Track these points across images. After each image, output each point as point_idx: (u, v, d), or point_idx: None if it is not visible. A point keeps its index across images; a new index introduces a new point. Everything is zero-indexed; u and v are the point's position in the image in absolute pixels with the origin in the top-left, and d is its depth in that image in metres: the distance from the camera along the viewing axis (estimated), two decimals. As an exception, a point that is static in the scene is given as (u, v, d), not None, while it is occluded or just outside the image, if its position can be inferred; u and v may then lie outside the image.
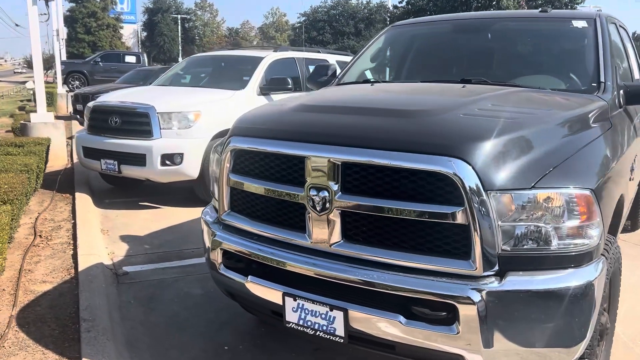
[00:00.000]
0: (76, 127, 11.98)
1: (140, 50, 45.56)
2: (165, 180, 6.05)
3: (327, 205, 2.16)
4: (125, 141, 5.96)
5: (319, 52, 8.38)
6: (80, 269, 3.99)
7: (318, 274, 2.20)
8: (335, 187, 2.14)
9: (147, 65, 26.68)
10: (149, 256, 4.61)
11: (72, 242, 4.72)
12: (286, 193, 2.29)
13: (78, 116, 11.90)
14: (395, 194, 2.05)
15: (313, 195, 2.18)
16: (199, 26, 72.64)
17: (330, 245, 2.20)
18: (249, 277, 2.42)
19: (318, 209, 2.18)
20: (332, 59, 8.46)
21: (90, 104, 6.60)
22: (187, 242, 4.97)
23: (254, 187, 2.42)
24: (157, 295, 3.83)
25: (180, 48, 62.74)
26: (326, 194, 2.15)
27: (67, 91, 19.79)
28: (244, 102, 6.56)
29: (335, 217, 2.16)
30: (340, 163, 2.13)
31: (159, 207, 6.19)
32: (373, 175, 2.09)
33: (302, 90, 7.34)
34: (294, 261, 2.27)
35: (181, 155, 5.82)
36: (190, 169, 5.90)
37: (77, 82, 23.63)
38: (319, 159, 2.16)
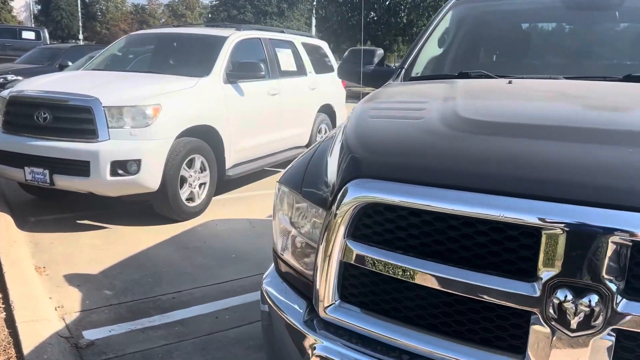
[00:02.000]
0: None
1: (33, 25, 41.15)
2: (116, 194, 4.71)
3: (595, 319, 1.16)
4: (60, 144, 4.54)
5: (283, 32, 7.21)
6: (24, 348, 2.69)
7: None
8: (616, 287, 1.15)
9: (48, 42, 23.72)
10: (115, 309, 3.35)
11: (-1, 293, 3.36)
12: (484, 288, 1.26)
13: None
14: None
15: (563, 301, 1.17)
16: (101, 1, 67.33)
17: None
18: None
19: (572, 325, 1.18)
20: (298, 40, 7.34)
21: (5, 93, 5.05)
22: (160, 281, 3.75)
23: (405, 270, 1.36)
24: (149, 382, 2.65)
25: (80, 24, 57.72)
26: (594, 298, 1.16)
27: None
28: (210, 91, 5.34)
29: (603, 342, 1.17)
30: (630, 242, 1.14)
31: (106, 227, 4.84)
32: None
33: (270, 78, 6.17)
34: None
35: (138, 162, 4.51)
36: (150, 179, 4.61)
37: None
38: (581, 231, 1.15)
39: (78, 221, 4.99)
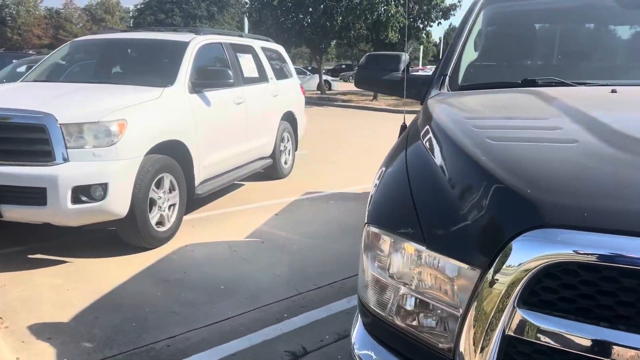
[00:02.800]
0: None
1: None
2: (79, 224, 4.11)
3: None
4: (8, 169, 3.89)
5: (241, 36, 6.75)
6: None
7: None
8: None
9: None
10: (102, 367, 2.83)
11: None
12: None
13: None
14: None
15: None
16: (11, 4, 62.96)
17: None
18: None
19: None
20: (257, 44, 6.91)
21: None
22: (147, 326, 3.24)
23: (607, 345, 1.03)
24: None
25: (-12, 30, 53.70)
26: None
27: None
28: (177, 103, 4.83)
29: None
30: None
31: (65, 261, 4.22)
32: None
33: (235, 86, 5.71)
34: None
35: (104, 185, 3.94)
36: (118, 204, 4.05)
37: None
38: None
39: (30, 256, 4.32)
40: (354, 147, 10.41)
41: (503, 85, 2.18)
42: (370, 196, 1.67)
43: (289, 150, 7.56)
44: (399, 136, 2.43)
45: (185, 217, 5.04)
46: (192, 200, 5.22)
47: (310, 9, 23.10)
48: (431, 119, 1.82)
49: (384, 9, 20.55)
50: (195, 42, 5.42)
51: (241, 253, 4.45)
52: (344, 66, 58.61)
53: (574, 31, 2.64)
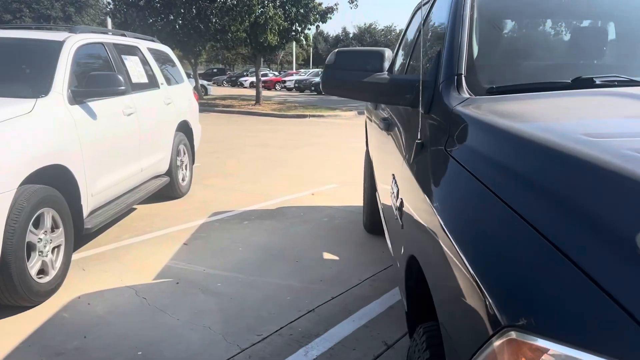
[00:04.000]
0: None
1: None
2: None
3: None
4: None
5: (124, 35, 5.76)
6: None
7: None
8: None
9: None
10: None
11: None
12: None
13: None
14: None
15: None
16: None
17: None
18: None
19: None
20: (143, 45, 5.97)
21: None
22: None
23: None
24: None
25: None
26: None
27: None
28: (55, 117, 3.84)
29: None
30: None
31: None
32: None
33: (124, 94, 4.77)
34: None
35: (-39, 233, 2.90)
36: (-17, 256, 3.01)
37: None
38: None
39: None
40: (249, 156, 9.70)
41: (550, 87, 1.69)
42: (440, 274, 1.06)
43: (186, 165, 6.68)
44: (408, 154, 1.85)
45: (73, 257, 4.04)
46: (80, 237, 4.23)
47: (182, 10, 21.81)
48: (507, 136, 1.26)
49: (260, 11, 19.94)
50: (72, 41, 4.40)
51: (154, 300, 3.60)
52: (215, 70, 57.24)
53: (625, 19, 2.20)
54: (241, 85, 46.50)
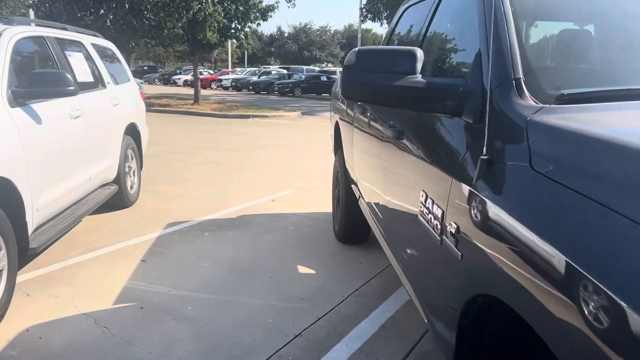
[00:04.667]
0: None
1: None
2: None
3: None
4: None
5: (65, 29, 5.18)
6: None
7: None
8: None
9: None
10: None
11: None
12: None
13: None
14: None
15: None
16: None
17: None
18: None
19: None
20: (87, 40, 5.44)
21: None
22: None
23: None
24: None
25: None
26: None
27: None
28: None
29: None
30: None
31: None
32: None
33: (74, 94, 4.26)
34: None
35: None
36: None
37: None
38: None
39: None
40: (197, 159, 9.21)
41: (636, 96, 1.49)
42: None
43: (134, 171, 6.17)
44: (461, 171, 1.59)
45: (16, 282, 3.53)
46: (24, 258, 3.71)
47: (113, 5, 20.68)
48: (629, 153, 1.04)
49: (198, 7, 19.23)
50: (9, 34, 3.85)
51: (117, 330, 3.16)
52: (146, 67, 55.13)
53: None
54: (174, 83, 45.06)
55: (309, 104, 26.00)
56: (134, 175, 6.14)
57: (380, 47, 2.11)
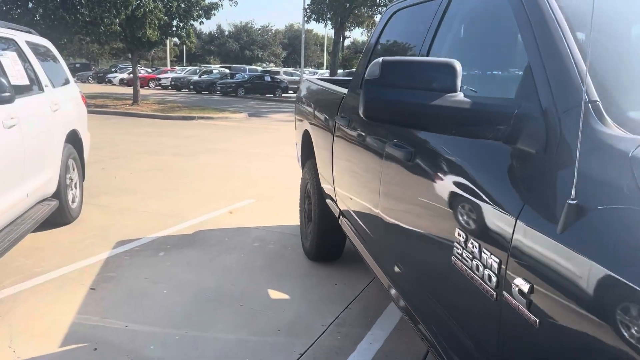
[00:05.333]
0: None
1: None
2: None
3: None
4: None
5: (-3, 25, 4.55)
6: None
7: None
8: None
9: None
10: None
11: None
12: None
13: None
14: None
15: None
16: None
17: None
18: None
19: None
20: (20, 37, 4.84)
21: None
22: None
23: None
24: None
25: None
26: None
27: None
28: None
29: None
30: None
31: None
32: None
33: (10, 101, 3.71)
34: None
35: None
36: None
37: None
38: None
39: None
40: (142, 166, 8.61)
41: None
42: None
43: (76, 183, 5.58)
44: (533, 215, 1.29)
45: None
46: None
47: (44, -2, 19.37)
48: None
49: (137, 3, 18.31)
50: None
51: (68, 380, 2.69)
52: (78, 65, 52.54)
53: None
54: (109, 82, 43.20)
55: (254, 104, 25.45)
56: (75, 188, 5.55)
57: (410, 58, 1.79)
